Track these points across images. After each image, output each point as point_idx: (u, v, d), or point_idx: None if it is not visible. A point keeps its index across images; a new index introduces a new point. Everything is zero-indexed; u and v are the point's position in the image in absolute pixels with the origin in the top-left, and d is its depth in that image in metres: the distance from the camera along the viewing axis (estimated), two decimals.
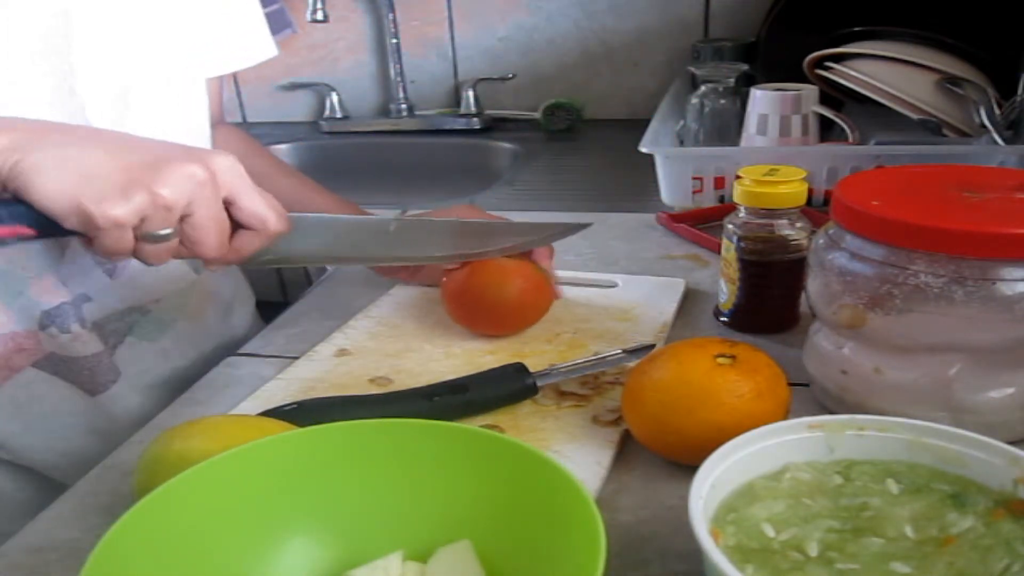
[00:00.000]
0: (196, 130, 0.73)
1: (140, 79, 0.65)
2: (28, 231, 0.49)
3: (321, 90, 1.58)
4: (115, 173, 0.46)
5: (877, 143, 0.94)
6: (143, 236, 0.48)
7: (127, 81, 0.64)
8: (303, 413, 0.51)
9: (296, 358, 0.65)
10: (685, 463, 0.47)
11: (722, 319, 0.68)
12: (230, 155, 0.51)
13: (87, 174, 0.46)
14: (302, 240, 0.58)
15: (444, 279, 0.67)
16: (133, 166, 0.47)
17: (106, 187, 0.46)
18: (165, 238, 0.49)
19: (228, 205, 0.51)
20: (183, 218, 0.49)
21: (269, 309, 0.85)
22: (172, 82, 0.68)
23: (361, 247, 0.63)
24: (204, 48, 0.72)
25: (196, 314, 0.74)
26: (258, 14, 0.80)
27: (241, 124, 1.68)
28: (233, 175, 0.50)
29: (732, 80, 1.06)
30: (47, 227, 0.49)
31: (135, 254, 0.49)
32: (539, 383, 0.56)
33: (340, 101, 1.57)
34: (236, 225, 0.52)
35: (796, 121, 0.95)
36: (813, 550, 0.36)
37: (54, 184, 0.46)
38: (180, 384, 0.69)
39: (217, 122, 0.85)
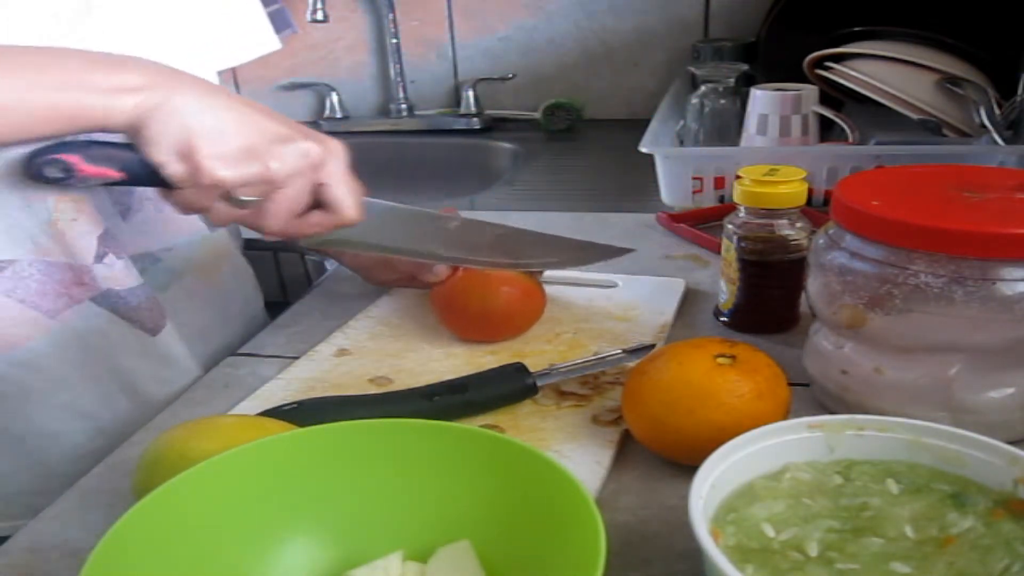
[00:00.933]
0: None
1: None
2: (115, 174, 0.50)
3: (321, 90, 1.58)
4: (244, 137, 0.48)
5: (877, 143, 0.94)
6: (228, 197, 0.49)
7: None
8: (303, 413, 0.51)
9: (296, 358, 0.65)
10: (685, 463, 0.47)
11: (722, 319, 0.68)
12: (339, 141, 0.53)
13: (219, 128, 0.47)
14: (364, 225, 0.58)
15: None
16: (259, 134, 0.48)
17: (228, 148, 0.47)
18: (246, 204, 0.50)
19: (318, 186, 0.52)
20: (277, 188, 0.50)
21: (269, 309, 0.85)
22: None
23: (420, 241, 0.63)
24: (207, 43, 0.73)
25: (209, 271, 0.74)
26: (257, 7, 0.80)
27: None
28: (338, 161, 0.52)
29: (732, 80, 1.06)
30: (134, 174, 0.49)
31: (206, 210, 0.51)
32: (539, 383, 0.56)
33: (340, 101, 1.57)
34: (314, 203, 0.53)
35: (796, 121, 0.95)
36: (813, 550, 0.36)
37: (181, 127, 0.46)
38: (214, 335, 0.69)
39: None
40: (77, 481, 0.52)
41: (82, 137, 0.50)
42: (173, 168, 0.48)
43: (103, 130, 0.48)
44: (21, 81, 0.46)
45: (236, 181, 0.49)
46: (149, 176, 0.49)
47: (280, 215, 0.52)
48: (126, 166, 0.49)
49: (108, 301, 0.62)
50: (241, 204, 0.50)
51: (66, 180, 0.50)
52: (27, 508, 0.51)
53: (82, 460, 0.57)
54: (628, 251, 0.70)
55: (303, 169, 0.50)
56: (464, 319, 0.66)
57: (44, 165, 0.49)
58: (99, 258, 0.60)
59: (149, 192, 0.64)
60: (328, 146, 0.52)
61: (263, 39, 0.80)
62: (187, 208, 0.50)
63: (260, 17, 0.80)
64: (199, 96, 0.48)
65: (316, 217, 0.54)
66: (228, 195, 0.50)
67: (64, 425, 0.63)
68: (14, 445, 0.62)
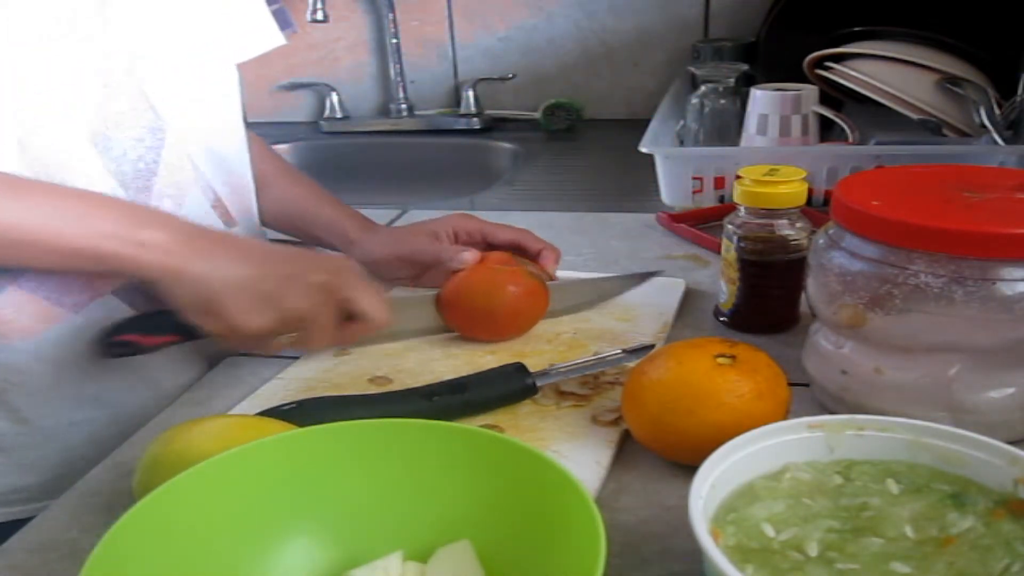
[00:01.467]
0: (228, 122, 0.73)
1: (166, 61, 0.66)
2: (173, 338, 0.57)
3: (321, 90, 1.58)
4: (254, 290, 0.53)
5: (877, 143, 0.94)
6: (269, 335, 0.56)
7: (151, 54, 0.64)
8: (303, 413, 0.51)
9: (296, 358, 0.65)
10: (685, 463, 0.47)
11: (722, 319, 0.68)
12: (345, 258, 0.59)
13: (231, 289, 0.53)
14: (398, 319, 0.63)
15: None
16: (270, 282, 0.54)
17: (246, 303, 0.53)
18: (283, 339, 0.57)
19: (344, 303, 0.57)
20: (303, 322, 0.56)
21: None
22: (194, 65, 0.69)
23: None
24: (215, 39, 0.73)
25: None
26: (260, 3, 0.80)
27: None
28: (351, 279, 0.58)
29: (732, 80, 1.06)
30: (187, 332, 0.56)
31: (258, 348, 0.58)
32: (538, 383, 0.56)
33: (340, 101, 1.57)
34: (348, 314, 0.58)
35: (796, 121, 0.95)
36: (813, 550, 0.36)
37: (199, 296, 0.53)
38: None
39: None
40: (76, 482, 0.52)
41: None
42: (209, 327, 0.54)
43: (129, 276, 0.55)
44: (54, 220, 0.52)
45: (264, 328, 0.54)
46: (201, 333, 0.55)
47: (319, 338, 0.57)
48: (178, 330, 0.55)
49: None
50: (280, 339, 0.57)
51: (131, 353, 0.58)
52: (54, 490, 0.53)
53: (104, 443, 0.60)
54: (653, 275, 0.73)
55: (319, 301, 0.55)
56: (469, 318, 0.66)
57: (111, 347, 0.57)
58: None
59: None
60: (338, 268, 0.57)
61: (267, 35, 0.80)
62: (244, 349, 0.56)
63: (264, 13, 0.80)
64: (214, 256, 0.54)
65: (353, 328, 0.59)
66: (268, 334, 0.56)
67: (88, 414, 0.64)
68: (40, 435, 0.63)
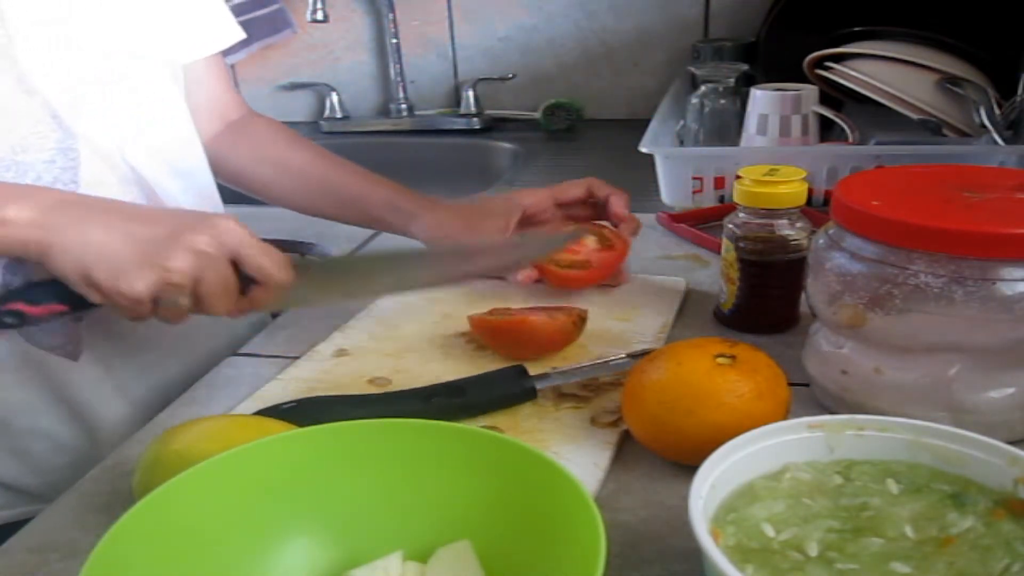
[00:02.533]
0: (172, 121, 0.72)
1: (95, 65, 0.64)
2: (61, 307, 0.54)
3: (321, 90, 1.58)
4: (130, 253, 0.51)
5: (877, 143, 0.94)
6: (160, 303, 0.53)
7: (79, 62, 0.63)
8: (302, 413, 0.51)
9: (296, 358, 0.65)
10: (685, 463, 0.47)
11: (722, 319, 0.68)
12: (232, 217, 0.55)
13: (105, 255, 0.51)
14: (314, 284, 0.60)
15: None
16: (146, 244, 0.51)
17: (122, 267, 0.51)
18: (180, 303, 0.53)
19: (235, 263, 0.54)
20: (194, 284, 0.52)
21: None
22: (133, 70, 0.68)
23: (368, 282, 0.64)
24: (165, 35, 0.72)
25: None
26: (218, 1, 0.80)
27: None
28: (237, 237, 0.54)
29: (732, 80, 1.06)
30: (78, 302, 0.53)
31: (155, 316, 0.54)
32: (538, 386, 0.56)
33: (340, 101, 1.57)
34: (248, 279, 0.55)
35: (796, 121, 0.95)
36: (813, 550, 0.36)
37: (76, 265, 0.50)
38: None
39: (247, 114, 0.85)
40: (76, 482, 0.52)
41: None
42: (92, 297, 0.52)
43: (4, 254, 0.53)
44: None
45: (145, 292, 0.51)
46: (87, 301, 0.53)
47: (216, 301, 0.54)
48: (68, 298, 0.53)
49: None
50: (176, 304, 0.53)
51: (22, 324, 0.55)
52: (77, 472, 0.54)
53: (124, 425, 0.61)
54: (570, 236, 0.71)
55: (204, 260, 0.52)
56: (507, 347, 0.64)
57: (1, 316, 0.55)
58: None
59: None
60: (220, 226, 0.54)
61: (226, 30, 0.80)
62: (135, 318, 0.53)
63: (220, 7, 0.80)
64: (86, 223, 0.51)
65: (255, 291, 0.56)
66: (158, 300, 0.53)
67: (110, 401, 0.66)
68: (63, 413, 0.65)
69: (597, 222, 0.75)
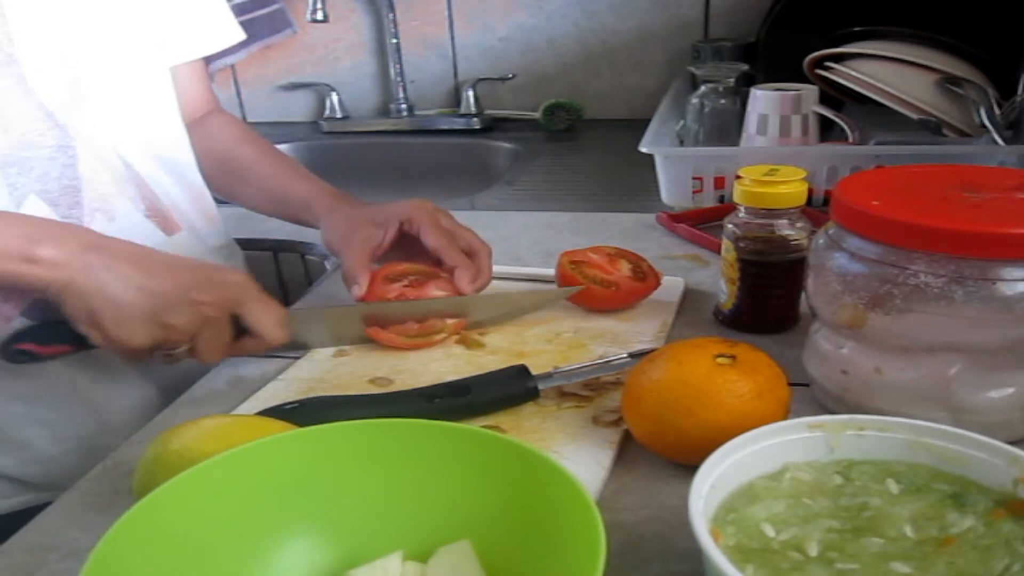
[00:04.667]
0: (166, 118, 0.73)
1: (94, 64, 0.65)
2: (66, 348, 0.58)
3: (321, 90, 1.58)
4: (138, 307, 0.54)
5: (877, 143, 0.94)
6: (157, 351, 0.57)
7: (78, 61, 0.64)
8: (304, 412, 0.51)
9: (296, 358, 0.65)
10: (685, 463, 0.47)
11: (722, 319, 0.68)
12: (242, 274, 0.58)
13: (115, 305, 0.53)
14: (301, 333, 0.64)
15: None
16: (155, 299, 0.54)
17: (127, 319, 0.54)
18: (175, 354, 0.57)
19: (236, 315, 0.57)
20: (191, 339, 0.56)
21: None
22: (130, 69, 0.68)
23: (349, 331, 0.66)
24: (166, 35, 0.72)
25: None
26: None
27: None
28: (242, 295, 0.58)
29: (732, 80, 1.06)
30: (82, 343, 0.57)
31: (152, 360, 0.58)
32: (541, 386, 0.56)
33: (340, 101, 1.57)
34: (242, 329, 0.59)
35: (796, 121, 0.95)
36: (813, 550, 0.36)
37: (86, 309, 0.53)
38: None
39: (211, 110, 0.85)
40: (76, 482, 0.52)
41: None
42: (95, 339, 0.55)
43: (28, 290, 0.56)
44: None
45: (145, 344, 0.55)
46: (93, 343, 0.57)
47: (210, 352, 0.58)
48: (72, 340, 0.57)
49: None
50: (172, 353, 0.57)
51: (30, 361, 0.59)
52: (93, 457, 0.55)
53: (140, 410, 0.63)
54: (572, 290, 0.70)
55: (206, 320, 0.56)
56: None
57: (11, 355, 0.59)
58: None
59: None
60: (231, 283, 0.57)
61: (226, 30, 0.80)
62: (131, 361, 0.56)
63: (222, 7, 0.80)
64: (104, 270, 0.54)
65: (247, 342, 0.60)
66: (154, 349, 0.56)
67: (109, 398, 0.68)
68: (83, 402, 0.66)
69: (636, 253, 0.73)
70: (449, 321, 0.66)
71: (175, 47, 0.75)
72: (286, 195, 0.79)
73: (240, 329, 0.59)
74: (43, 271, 0.53)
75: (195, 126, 0.81)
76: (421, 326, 0.65)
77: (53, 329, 0.58)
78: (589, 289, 0.68)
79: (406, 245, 0.71)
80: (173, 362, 0.58)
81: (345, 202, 0.76)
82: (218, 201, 0.82)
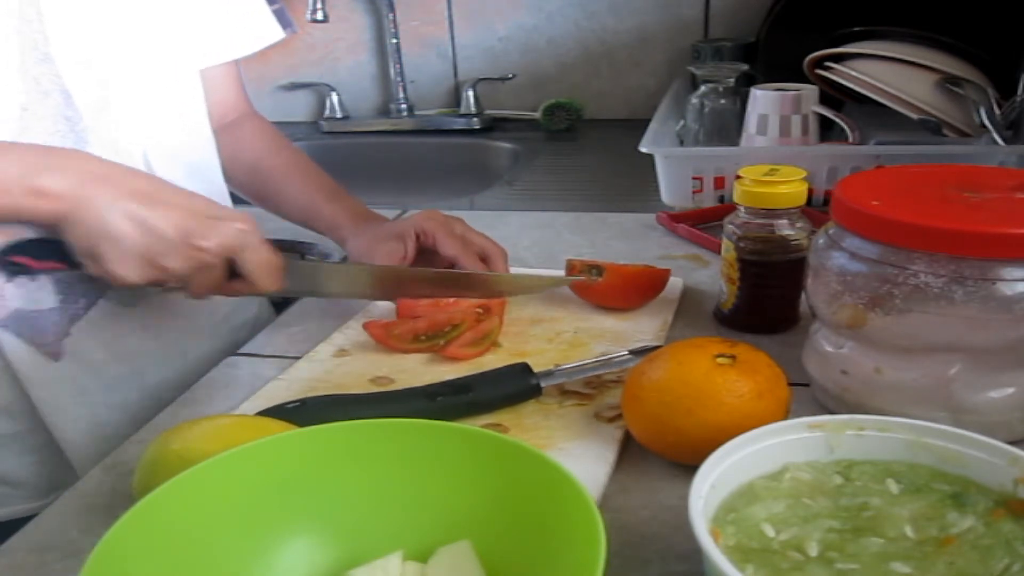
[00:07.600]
0: (193, 121, 0.73)
1: (122, 66, 0.65)
2: (60, 266, 0.58)
3: (321, 90, 1.58)
4: (137, 246, 0.54)
5: (877, 143, 0.94)
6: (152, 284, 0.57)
7: (106, 62, 0.63)
8: (305, 412, 0.51)
9: (297, 358, 0.65)
10: (685, 463, 0.47)
11: (722, 319, 0.68)
12: (245, 219, 0.58)
13: (115, 240, 0.53)
14: (293, 282, 0.65)
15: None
16: (154, 240, 0.54)
17: (125, 256, 0.54)
18: (163, 290, 0.59)
19: (233, 260, 0.58)
20: (184, 279, 0.57)
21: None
22: (159, 72, 0.68)
23: (345, 287, 0.69)
24: (201, 35, 0.72)
25: None
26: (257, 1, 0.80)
27: None
28: (241, 240, 0.57)
29: (732, 80, 1.06)
30: (76, 264, 0.57)
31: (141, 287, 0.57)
32: (543, 383, 0.56)
33: (340, 101, 1.57)
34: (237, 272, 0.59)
35: (796, 121, 0.95)
36: (813, 550, 0.36)
37: (86, 240, 0.54)
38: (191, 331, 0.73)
39: (244, 113, 0.85)
40: (76, 482, 0.52)
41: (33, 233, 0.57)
42: (90, 268, 0.55)
43: (28, 223, 0.55)
44: None
45: (140, 281, 0.55)
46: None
47: (200, 290, 0.59)
48: (66, 259, 0.56)
49: None
50: (161, 291, 0.58)
51: (23, 274, 0.59)
52: (96, 458, 0.55)
53: (153, 403, 0.64)
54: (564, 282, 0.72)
55: (200, 265, 0.56)
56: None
57: (5, 265, 0.58)
58: None
59: None
60: (226, 232, 0.57)
61: (266, 29, 0.80)
62: (120, 285, 0.56)
63: (261, 6, 0.80)
64: (107, 205, 0.53)
65: (237, 285, 0.60)
66: (146, 286, 0.56)
67: (129, 393, 0.68)
68: (87, 403, 0.66)
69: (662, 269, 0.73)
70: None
71: (209, 49, 0.75)
72: (312, 215, 0.81)
73: (235, 270, 0.59)
74: (50, 204, 0.52)
75: (226, 129, 0.81)
76: (428, 325, 0.65)
77: (49, 246, 0.57)
78: (605, 278, 0.69)
79: (423, 258, 0.73)
80: (163, 293, 0.59)
81: (366, 221, 0.79)
82: (234, 199, 0.82)
